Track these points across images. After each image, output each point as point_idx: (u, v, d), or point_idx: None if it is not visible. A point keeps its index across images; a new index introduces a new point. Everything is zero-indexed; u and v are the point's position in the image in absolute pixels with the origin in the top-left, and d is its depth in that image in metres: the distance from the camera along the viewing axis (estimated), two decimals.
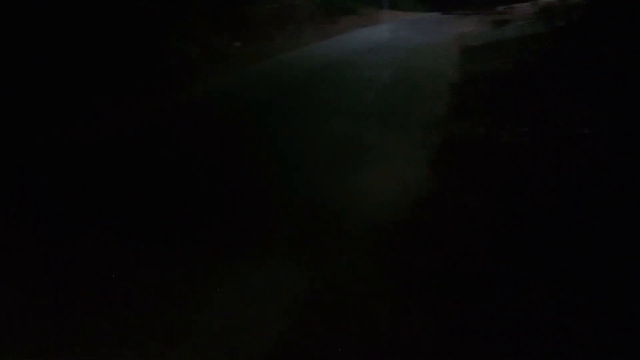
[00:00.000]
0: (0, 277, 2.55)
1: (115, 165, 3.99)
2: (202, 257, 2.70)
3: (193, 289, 2.43)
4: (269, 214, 3.18)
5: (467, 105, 5.24)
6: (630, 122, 3.75)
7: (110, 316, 2.24)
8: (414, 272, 2.53)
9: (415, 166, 3.79)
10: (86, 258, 2.71)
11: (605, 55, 4.61)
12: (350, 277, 2.50)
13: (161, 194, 3.47)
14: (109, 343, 2.10)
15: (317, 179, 3.66)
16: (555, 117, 4.49)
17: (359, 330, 2.15)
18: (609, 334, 2.10)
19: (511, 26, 10.18)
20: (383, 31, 11.05)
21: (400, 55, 8.03)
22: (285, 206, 3.29)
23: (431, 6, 16.34)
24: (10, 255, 2.75)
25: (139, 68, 6.51)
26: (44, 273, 2.59)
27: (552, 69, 5.75)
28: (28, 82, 5.14)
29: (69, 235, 2.93)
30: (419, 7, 16.53)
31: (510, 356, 2.01)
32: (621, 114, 3.95)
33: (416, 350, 2.04)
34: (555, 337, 2.08)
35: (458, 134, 4.42)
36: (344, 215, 3.12)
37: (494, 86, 5.81)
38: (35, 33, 5.53)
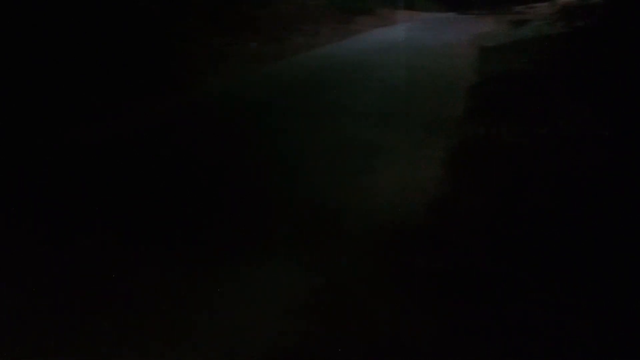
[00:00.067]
0: (0, 277, 2.55)
1: (115, 165, 3.98)
2: (202, 257, 2.70)
3: (193, 289, 2.43)
4: (277, 214, 3.18)
5: (482, 107, 5.19)
6: None
7: (110, 316, 2.24)
8: (414, 272, 2.54)
9: (422, 166, 3.79)
10: (86, 258, 2.71)
11: (627, 56, 4.53)
12: (350, 277, 2.50)
13: (162, 194, 3.47)
14: (109, 343, 2.10)
15: (319, 180, 3.65)
16: (576, 120, 4.46)
17: (359, 330, 2.15)
18: (609, 334, 2.10)
19: (529, 26, 9.99)
20: (400, 31, 10.88)
21: (417, 56, 7.96)
22: (285, 206, 3.29)
23: (448, 6, 16.24)
24: (11, 255, 2.75)
25: (139, 68, 6.50)
26: (44, 273, 2.59)
27: (573, 70, 5.64)
28: (28, 82, 5.14)
29: (69, 235, 2.93)
30: (435, 7, 16.44)
31: (510, 356, 2.01)
32: None
33: (416, 350, 2.04)
34: (555, 337, 2.08)
35: (471, 136, 4.40)
36: (344, 215, 3.12)
37: (510, 87, 5.75)
38: (35, 33, 5.54)
